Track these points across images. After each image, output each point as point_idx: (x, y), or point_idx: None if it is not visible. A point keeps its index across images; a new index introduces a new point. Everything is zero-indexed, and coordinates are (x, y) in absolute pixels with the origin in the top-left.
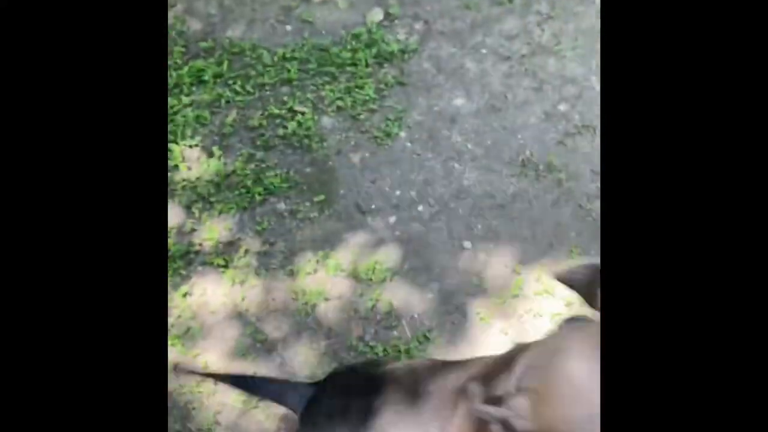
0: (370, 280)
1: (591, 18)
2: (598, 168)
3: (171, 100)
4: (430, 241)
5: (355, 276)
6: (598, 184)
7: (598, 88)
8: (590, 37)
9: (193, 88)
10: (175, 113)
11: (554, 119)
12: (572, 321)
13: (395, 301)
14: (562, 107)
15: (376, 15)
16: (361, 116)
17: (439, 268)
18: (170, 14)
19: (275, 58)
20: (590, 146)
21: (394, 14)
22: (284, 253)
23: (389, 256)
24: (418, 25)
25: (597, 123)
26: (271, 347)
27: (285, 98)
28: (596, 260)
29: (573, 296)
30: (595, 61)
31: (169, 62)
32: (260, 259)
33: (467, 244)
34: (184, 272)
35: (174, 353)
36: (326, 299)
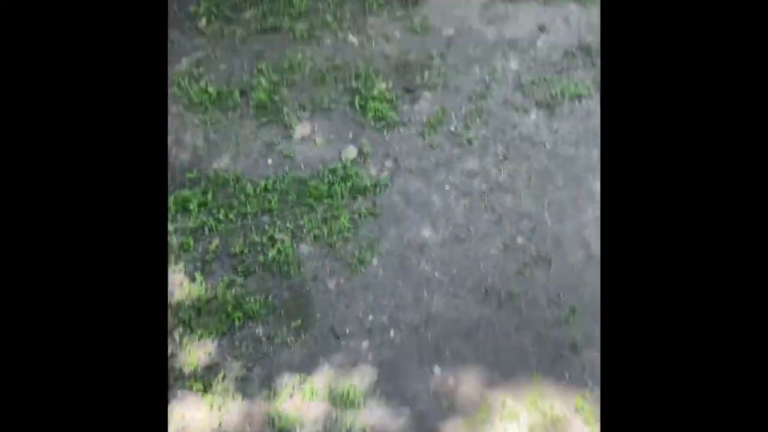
0: (345, 404)
1: (542, 160)
2: (554, 297)
3: None
4: (401, 365)
5: (330, 400)
6: (555, 312)
7: (550, 223)
8: (541, 177)
9: (179, 216)
10: None
11: (513, 251)
12: None
13: (369, 426)
14: (519, 240)
15: (351, 152)
16: (337, 245)
17: (411, 392)
18: None
19: (257, 190)
20: (546, 276)
21: (366, 152)
22: (261, 377)
23: (363, 380)
24: (389, 163)
25: (551, 255)
26: None
27: (266, 227)
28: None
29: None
30: (547, 199)
31: None
32: (238, 383)
33: (437, 369)
34: None
35: None
36: (302, 425)
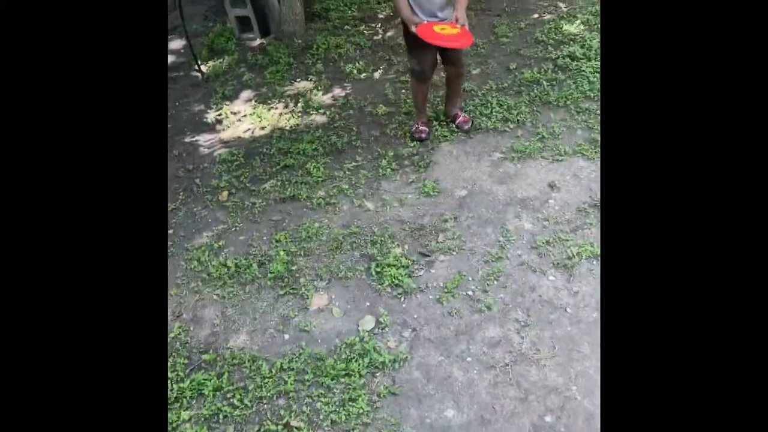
0: None
1: (564, 326)
2: None
3: (170, 416)
4: None
5: None
6: None
7: (579, 397)
8: (566, 344)
9: (193, 402)
10: (174, 429)
11: None
12: None
13: None
14: (548, 419)
15: (368, 323)
16: (355, 431)
17: None
18: (176, 324)
19: (273, 370)
20: None
21: (384, 322)
22: None
23: None
24: (407, 333)
25: None
26: None
27: (282, 412)
28: None
29: None
30: (573, 370)
31: (170, 374)
32: None
33: None
34: None
35: None
36: None
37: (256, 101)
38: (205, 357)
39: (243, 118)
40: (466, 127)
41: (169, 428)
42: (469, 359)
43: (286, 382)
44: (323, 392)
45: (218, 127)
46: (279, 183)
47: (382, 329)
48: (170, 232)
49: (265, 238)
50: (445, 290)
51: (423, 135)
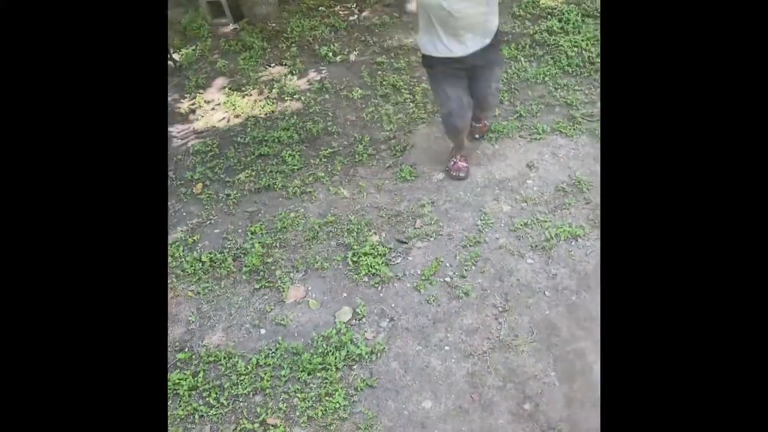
0: None
1: (543, 309)
2: None
3: None
4: None
5: None
6: None
7: (558, 383)
8: (544, 330)
9: (168, 403)
10: None
11: (521, 420)
12: None
13: None
14: (527, 406)
15: (345, 314)
16: (333, 426)
17: None
18: None
19: (249, 366)
20: None
21: (361, 313)
22: None
23: None
24: (384, 322)
25: (562, 425)
26: None
27: (258, 409)
28: None
29: None
30: (552, 355)
31: None
32: None
33: None
34: None
35: None
36: None
37: (230, 89)
38: (180, 356)
39: (217, 107)
40: (477, 135)
41: None
42: (447, 348)
43: (262, 379)
44: (300, 388)
45: (192, 116)
46: (254, 173)
47: (359, 320)
48: None
49: (240, 230)
50: (423, 277)
51: (462, 173)
